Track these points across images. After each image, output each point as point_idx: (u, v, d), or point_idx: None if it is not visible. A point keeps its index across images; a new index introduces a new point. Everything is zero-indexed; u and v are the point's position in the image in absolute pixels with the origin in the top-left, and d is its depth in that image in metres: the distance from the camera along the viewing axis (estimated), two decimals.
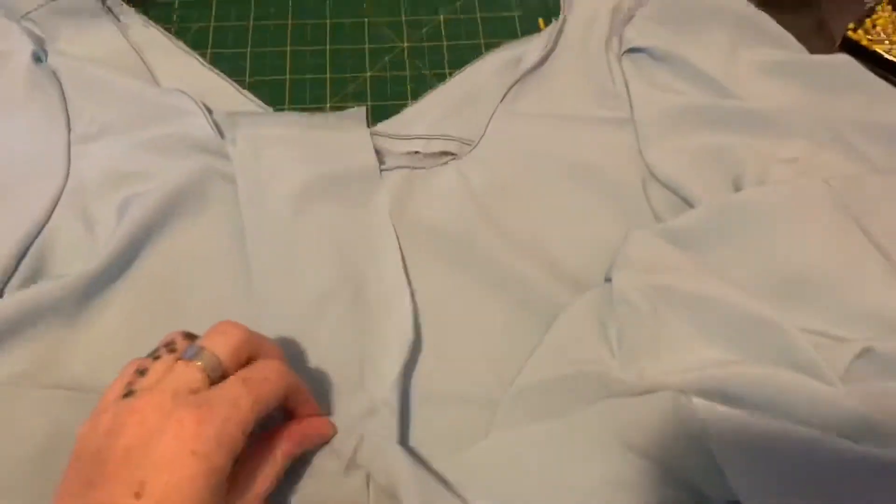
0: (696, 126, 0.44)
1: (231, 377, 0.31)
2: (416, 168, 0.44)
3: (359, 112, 0.44)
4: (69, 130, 0.44)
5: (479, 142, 0.45)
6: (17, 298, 0.37)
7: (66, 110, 0.44)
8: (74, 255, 0.40)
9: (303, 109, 0.47)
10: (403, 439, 0.36)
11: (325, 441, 0.35)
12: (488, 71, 0.48)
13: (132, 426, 0.28)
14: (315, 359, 0.38)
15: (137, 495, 0.27)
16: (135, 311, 0.39)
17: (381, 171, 0.43)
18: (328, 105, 0.48)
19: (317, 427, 0.35)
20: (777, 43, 0.49)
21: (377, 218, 0.41)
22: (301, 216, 0.41)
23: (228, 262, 0.40)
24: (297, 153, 0.43)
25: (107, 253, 0.39)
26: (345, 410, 0.36)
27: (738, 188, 0.42)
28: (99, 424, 0.29)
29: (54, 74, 0.45)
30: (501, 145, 0.44)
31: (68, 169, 0.43)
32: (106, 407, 0.30)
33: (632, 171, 0.43)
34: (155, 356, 0.31)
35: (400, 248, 0.40)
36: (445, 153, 0.45)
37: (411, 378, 0.38)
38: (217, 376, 0.31)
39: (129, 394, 0.30)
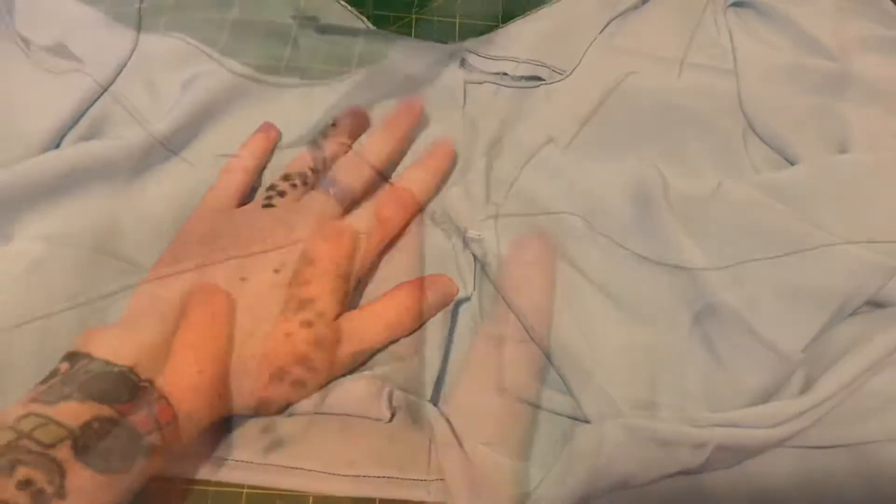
0: (803, 85, 0.42)
1: (365, 207, 0.34)
2: (503, 86, 0.41)
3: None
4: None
5: (572, 71, 0.42)
6: (70, 151, 0.35)
7: None
8: (135, 121, 0.37)
9: (386, 16, 0.44)
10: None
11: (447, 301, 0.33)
12: (586, 3, 0.45)
13: (272, 223, 0.32)
14: None
15: (276, 271, 0.30)
16: (192, 189, 0.36)
17: (466, 83, 0.40)
18: (413, 15, 0.45)
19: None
20: (885, 20, 0.47)
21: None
22: None
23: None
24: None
25: (171, 119, 0.36)
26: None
27: (843, 153, 0.40)
28: (234, 217, 0.32)
29: None
30: (596, 78, 0.42)
31: (137, 38, 0.40)
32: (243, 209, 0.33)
33: (731, 121, 0.41)
34: (290, 183, 0.33)
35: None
36: (534, 78, 0.42)
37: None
38: (348, 203, 0.34)
39: (268, 206, 0.32)
